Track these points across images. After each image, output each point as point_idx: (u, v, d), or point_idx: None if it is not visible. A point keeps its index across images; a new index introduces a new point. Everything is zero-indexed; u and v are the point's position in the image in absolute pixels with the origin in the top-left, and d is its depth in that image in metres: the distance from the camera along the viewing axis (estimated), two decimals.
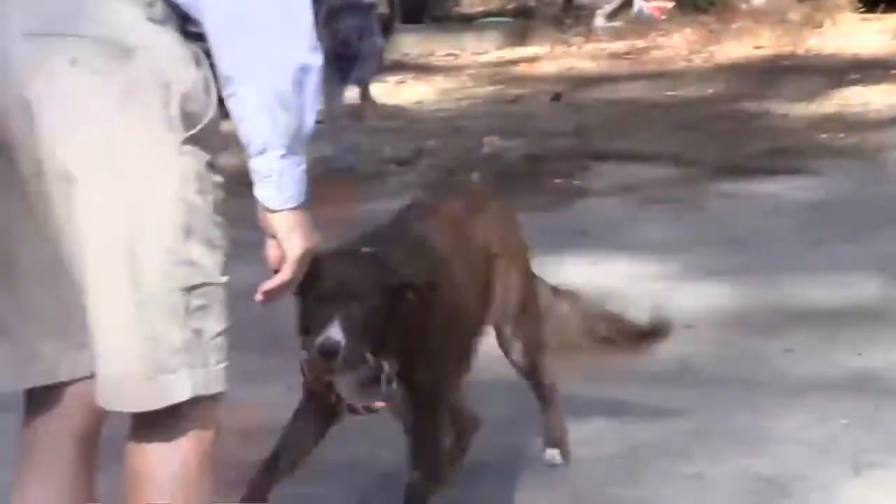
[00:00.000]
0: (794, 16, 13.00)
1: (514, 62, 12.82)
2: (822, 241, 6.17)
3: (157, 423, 2.34)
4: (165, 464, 2.38)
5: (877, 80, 10.20)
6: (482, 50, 13.57)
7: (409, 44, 13.56)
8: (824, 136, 8.63)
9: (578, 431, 4.24)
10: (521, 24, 14.59)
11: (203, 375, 2.33)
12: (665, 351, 4.40)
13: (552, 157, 8.38)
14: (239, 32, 2.35)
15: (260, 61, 2.34)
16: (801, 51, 11.86)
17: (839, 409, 4.42)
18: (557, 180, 7.84)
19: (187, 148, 2.30)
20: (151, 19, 2.30)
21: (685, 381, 4.69)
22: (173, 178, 2.28)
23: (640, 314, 4.33)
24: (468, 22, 15.54)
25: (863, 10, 13.09)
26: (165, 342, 2.30)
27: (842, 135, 8.58)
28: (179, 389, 2.29)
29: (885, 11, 12.92)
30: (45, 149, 2.29)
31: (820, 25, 12.52)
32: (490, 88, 11.61)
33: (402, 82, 12.03)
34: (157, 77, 2.30)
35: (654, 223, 6.85)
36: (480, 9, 16.43)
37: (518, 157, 8.42)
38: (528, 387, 4.12)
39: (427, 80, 12.17)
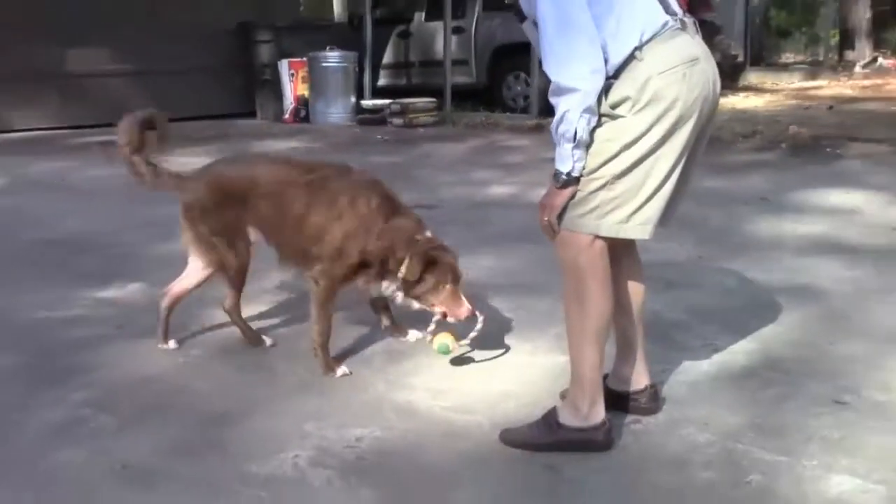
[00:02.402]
0: None
1: (808, 89, 14.66)
2: None
3: None
4: None
5: None
6: (791, 82, 15.63)
7: (752, 77, 15.59)
8: None
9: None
10: (813, 69, 16.47)
11: None
12: (880, 238, 5.91)
13: (826, 137, 9.81)
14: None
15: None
16: None
17: None
18: (828, 149, 9.30)
19: None
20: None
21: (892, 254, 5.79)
22: None
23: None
24: (785, 66, 17.97)
25: None
26: None
27: None
28: None
29: None
30: (713, 115, 3.14)
31: None
32: (794, 102, 13.34)
33: (746, 97, 13.90)
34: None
35: (880, 174, 8.15)
36: (792, 59, 19.02)
37: (808, 137, 9.93)
38: None
39: (761, 96, 13.92)
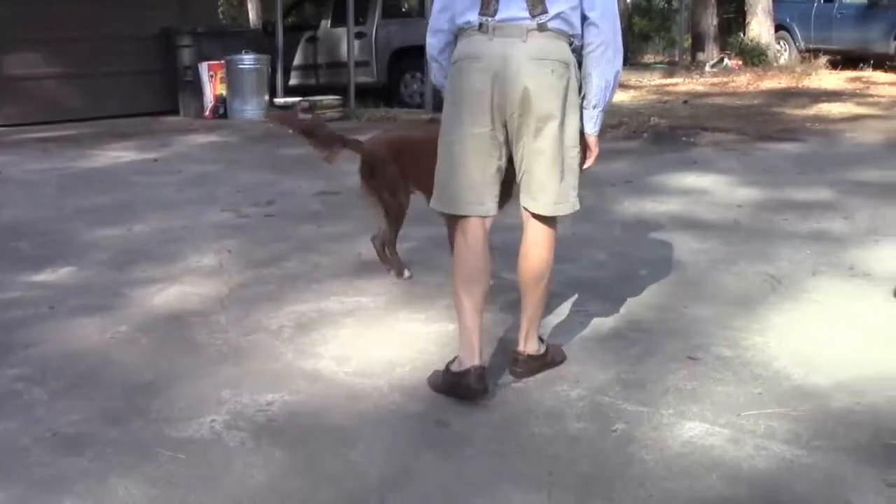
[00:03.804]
0: (798, 69, 14.79)
1: (666, 85, 14.78)
2: (803, 172, 7.48)
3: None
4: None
5: (834, 101, 11.79)
6: (652, 79, 15.60)
7: None
8: (808, 124, 10.11)
9: None
10: (670, 68, 16.69)
11: None
12: (727, 214, 5.99)
13: (682, 128, 9.93)
14: (599, 56, 3.11)
15: (604, 67, 3.12)
16: (800, 86, 13.67)
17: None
18: (684, 138, 9.34)
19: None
20: (571, 50, 3.09)
21: (737, 228, 5.77)
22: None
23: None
24: (646, 66, 17.89)
25: (830, 68, 15.48)
26: None
27: (818, 124, 10.06)
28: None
29: (842, 70, 15.45)
30: (534, 110, 3.05)
31: (810, 74, 14.57)
32: (654, 97, 13.30)
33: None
34: (576, 77, 3.08)
35: (726, 159, 8.19)
36: (652, 60, 19.07)
37: (666, 127, 10.03)
38: None
39: (626, 92, 13.63)
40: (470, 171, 3.13)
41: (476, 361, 3.19)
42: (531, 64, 3.05)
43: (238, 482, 2.79)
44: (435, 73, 3.41)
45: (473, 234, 3.19)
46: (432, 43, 3.33)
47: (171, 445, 3.01)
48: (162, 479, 2.81)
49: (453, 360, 3.27)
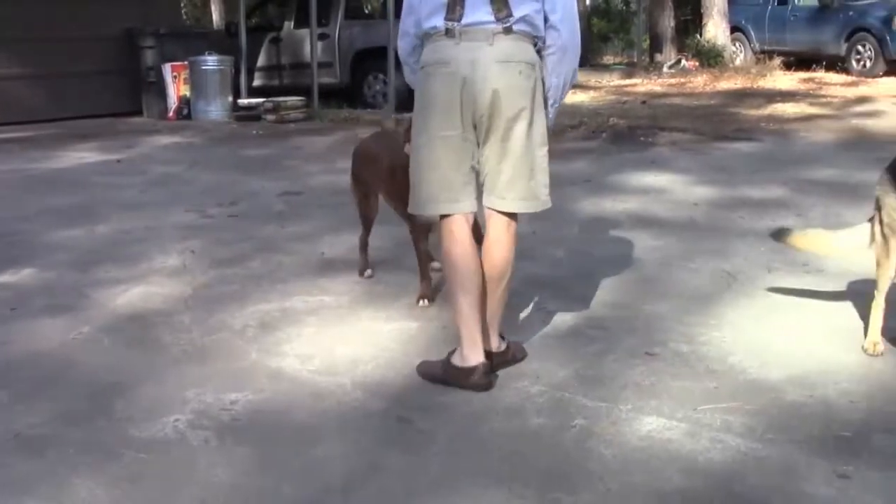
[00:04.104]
0: (753, 70, 14.92)
1: (625, 86, 14.82)
2: (758, 171, 7.44)
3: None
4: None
5: (788, 101, 11.87)
6: (611, 80, 15.66)
7: (579, 76, 16.52)
8: (763, 124, 10.14)
9: None
10: (629, 69, 16.72)
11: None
12: (684, 213, 6.02)
13: (640, 128, 9.93)
14: (559, 58, 3.19)
15: (564, 68, 3.20)
16: (755, 86, 13.79)
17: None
18: (642, 138, 9.37)
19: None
20: (535, 50, 3.15)
21: (694, 226, 5.87)
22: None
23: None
24: (606, 67, 17.98)
25: (784, 69, 15.71)
26: None
27: (772, 124, 10.10)
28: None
29: (796, 71, 15.66)
30: (503, 111, 3.09)
31: (765, 75, 14.76)
32: (614, 97, 13.29)
33: (574, 93, 13.06)
34: (541, 77, 3.16)
35: (683, 158, 8.24)
36: (611, 61, 19.24)
37: (625, 127, 10.02)
38: None
39: (586, 92, 13.81)
40: (443, 173, 3.15)
41: (481, 358, 3.25)
42: (498, 66, 3.07)
43: (201, 481, 2.77)
44: (407, 74, 3.45)
45: (460, 233, 3.21)
46: (402, 46, 3.38)
47: (135, 445, 2.97)
48: (125, 479, 2.78)
49: (454, 353, 3.29)
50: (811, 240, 3.91)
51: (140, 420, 3.14)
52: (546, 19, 3.12)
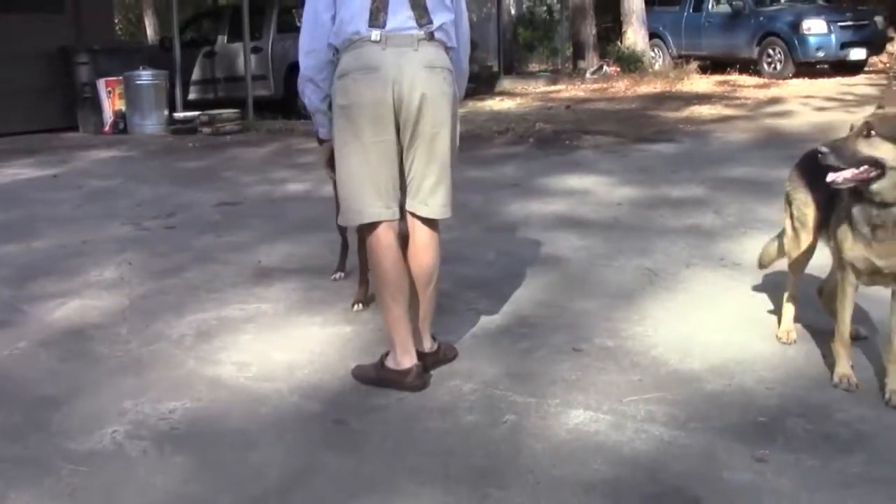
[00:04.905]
0: (672, 74, 15.11)
1: (550, 92, 14.92)
2: (677, 171, 7.43)
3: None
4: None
5: (705, 103, 12.01)
6: (537, 87, 15.77)
7: (506, 83, 15.69)
8: (681, 126, 10.25)
9: None
10: (553, 76, 16.86)
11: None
12: (608, 213, 5.99)
13: (565, 132, 9.96)
14: (464, 58, 3.31)
15: (464, 68, 3.30)
16: (674, 90, 13.91)
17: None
18: (567, 142, 9.40)
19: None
20: (448, 58, 3.17)
21: (618, 225, 5.78)
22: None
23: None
24: (531, 74, 18.19)
25: (701, 73, 15.95)
26: None
27: (690, 126, 10.22)
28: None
29: (711, 74, 15.81)
30: (429, 116, 3.08)
31: (682, 79, 14.94)
32: (539, 103, 13.35)
33: (501, 100, 13.96)
34: (454, 81, 3.18)
35: (607, 161, 8.25)
36: (537, 68, 19.31)
37: (550, 132, 10.04)
38: None
39: (513, 99, 13.99)
40: (376, 180, 3.10)
41: (414, 359, 3.24)
42: (425, 72, 3.05)
43: (139, 491, 2.72)
44: (310, 95, 3.28)
45: (387, 241, 3.17)
46: (309, 64, 3.23)
47: (73, 458, 2.90)
48: (63, 492, 2.72)
49: (387, 355, 3.27)
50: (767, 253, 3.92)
51: (77, 433, 3.07)
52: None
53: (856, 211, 3.04)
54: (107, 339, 4.01)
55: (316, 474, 2.77)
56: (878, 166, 2.93)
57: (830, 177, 2.99)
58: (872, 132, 2.93)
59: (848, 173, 2.96)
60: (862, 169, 2.94)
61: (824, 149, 2.99)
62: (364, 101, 3.04)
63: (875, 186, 2.95)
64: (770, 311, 3.97)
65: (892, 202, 2.94)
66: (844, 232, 3.11)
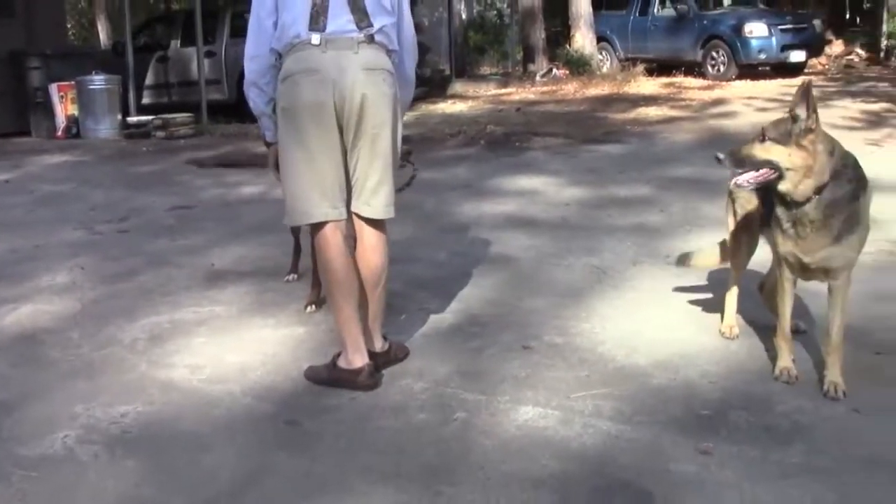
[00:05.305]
0: (619, 77, 15.20)
1: (501, 95, 14.91)
2: (624, 171, 7.61)
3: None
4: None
5: (651, 105, 12.08)
6: (488, 90, 15.72)
7: (458, 86, 15.66)
8: (629, 127, 10.33)
9: None
10: (504, 79, 16.84)
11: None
12: (557, 213, 6.12)
13: (515, 134, 9.98)
14: (408, 63, 3.34)
15: (407, 69, 3.33)
16: (621, 92, 13.92)
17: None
18: (517, 143, 9.40)
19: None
20: (391, 61, 3.20)
21: (566, 225, 5.90)
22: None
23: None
24: (483, 77, 18.17)
25: (647, 75, 16.04)
26: None
27: (637, 127, 10.30)
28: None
29: (658, 76, 15.95)
30: (370, 117, 3.09)
31: (630, 81, 14.95)
32: (490, 106, 13.27)
33: (453, 103, 13.98)
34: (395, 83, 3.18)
35: (556, 162, 8.30)
36: (488, 72, 19.41)
37: (501, 134, 10.05)
38: None
39: (465, 102, 14.01)
40: (321, 181, 3.09)
41: (366, 359, 3.23)
42: (365, 73, 3.06)
43: (91, 495, 2.67)
44: (255, 99, 3.29)
45: (335, 240, 3.16)
46: (253, 69, 3.25)
47: (24, 464, 2.84)
48: (14, 498, 2.66)
49: (339, 356, 3.26)
50: (707, 256, 3.96)
51: (28, 438, 3.01)
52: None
53: (779, 210, 3.12)
54: (58, 343, 3.93)
55: (268, 475, 2.75)
56: (775, 168, 2.99)
57: (734, 180, 3.09)
58: (766, 137, 3.01)
59: (749, 175, 3.06)
60: (761, 171, 3.03)
61: (721, 155, 3.11)
62: (306, 102, 3.04)
63: (781, 187, 3.03)
64: (713, 308, 4.00)
65: (801, 201, 3.01)
66: (776, 229, 3.17)
